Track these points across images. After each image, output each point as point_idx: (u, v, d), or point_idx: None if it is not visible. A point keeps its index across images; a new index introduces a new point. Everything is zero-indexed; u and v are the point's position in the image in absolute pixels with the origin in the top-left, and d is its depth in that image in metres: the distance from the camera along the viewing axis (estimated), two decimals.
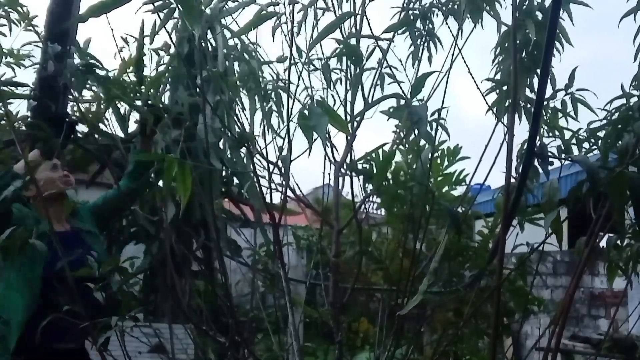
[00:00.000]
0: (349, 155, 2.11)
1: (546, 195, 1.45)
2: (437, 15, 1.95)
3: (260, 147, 2.00)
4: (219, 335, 2.06)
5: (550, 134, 1.89)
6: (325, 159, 2.14)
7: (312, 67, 1.96)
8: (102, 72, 2.11)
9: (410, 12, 1.94)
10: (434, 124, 1.60)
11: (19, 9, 3.72)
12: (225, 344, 2.03)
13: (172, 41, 2.10)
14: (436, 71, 1.60)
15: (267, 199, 2.05)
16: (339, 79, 2.06)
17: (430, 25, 1.95)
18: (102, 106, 4.15)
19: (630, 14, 1.74)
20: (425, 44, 1.98)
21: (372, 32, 1.82)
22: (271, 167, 1.99)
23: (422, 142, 1.79)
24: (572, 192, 1.50)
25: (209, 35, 2.29)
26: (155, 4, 1.70)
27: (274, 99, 1.94)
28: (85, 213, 2.25)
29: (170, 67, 2.68)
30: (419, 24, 1.94)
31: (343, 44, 1.90)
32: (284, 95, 1.95)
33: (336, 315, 2.11)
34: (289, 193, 1.99)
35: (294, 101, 1.91)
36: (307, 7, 1.90)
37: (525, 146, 1.55)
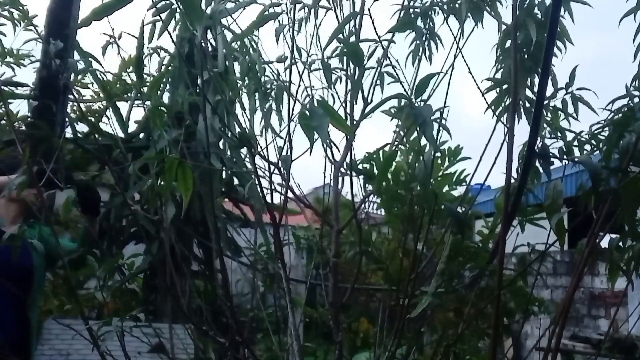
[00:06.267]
0: (349, 155, 2.11)
1: (550, 197, 1.44)
2: (437, 13, 1.94)
3: (260, 147, 2.00)
4: (219, 335, 2.05)
5: (552, 135, 1.88)
6: (325, 159, 2.13)
7: (313, 67, 1.95)
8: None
9: (411, 9, 1.93)
10: (436, 124, 1.60)
11: (19, 8, 3.73)
12: (225, 344, 2.03)
13: (173, 41, 2.10)
14: (440, 72, 1.59)
15: (268, 199, 2.05)
16: (338, 78, 2.05)
17: (431, 24, 1.94)
18: (102, 105, 4.15)
19: (630, 14, 1.74)
20: (426, 43, 1.97)
21: (375, 31, 1.81)
22: (271, 167, 1.98)
23: (423, 142, 1.79)
24: (583, 197, 1.50)
25: (209, 36, 2.29)
26: (158, 5, 1.70)
27: (274, 97, 1.93)
28: (42, 234, 2.24)
29: (170, 67, 2.68)
30: (419, 23, 1.93)
31: (344, 44, 1.89)
32: (284, 95, 1.94)
33: (336, 316, 2.10)
34: (289, 193, 1.98)
35: (295, 101, 1.91)
36: (312, 8, 1.89)
37: (526, 146, 1.55)
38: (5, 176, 2.15)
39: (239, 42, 2.09)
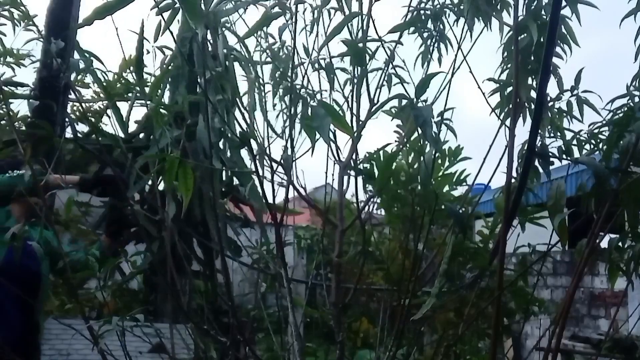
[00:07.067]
0: (354, 155, 2.11)
1: (552, 198, 1.44)
2: (448, 15, 1.94)
3: (264, 147, 1.99)
4: (220, 334, 2.06)
5: (552, 135, 1.88)
6: (327, 159, 2.13)
7: (318, 67, 1.95)
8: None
9: (422, 12, 1.94)
10: (438, 125, 1.60)
11: (19, 8, 3.72)
12: (226, 344, 2.03)
13: (174, 40, 2.11)
14: (441, 72, 1.59)
15: (270, 199, 2.04)
16: (348, 80, 2.05)
17: (441, 26, 1.95)
18: (102, 105, 4.15)
19: (631, 15, 1.74)
20: (436, 45, 1.97)
21: (376, 32, 1.81)
22: (274, 165, 1.98)
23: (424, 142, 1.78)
24: (584, 197, 1.50)
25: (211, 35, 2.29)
26: (160, 5, 1.70)
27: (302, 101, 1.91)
28: (44, 237, 2.23)
29: (170, 67, 2.68)
30: (429, 25, 1.93)
31: (348, 45, 1.89)
32: (287, 96, 1.94)
33: (338, 315, 2.10)
34: (293, 193, 1.98)
35: (297, 101, 1.91)
36: (320, 8, 1.89)
37: (526, 146, 1.55)
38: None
39: (240, 44, 2.09)
